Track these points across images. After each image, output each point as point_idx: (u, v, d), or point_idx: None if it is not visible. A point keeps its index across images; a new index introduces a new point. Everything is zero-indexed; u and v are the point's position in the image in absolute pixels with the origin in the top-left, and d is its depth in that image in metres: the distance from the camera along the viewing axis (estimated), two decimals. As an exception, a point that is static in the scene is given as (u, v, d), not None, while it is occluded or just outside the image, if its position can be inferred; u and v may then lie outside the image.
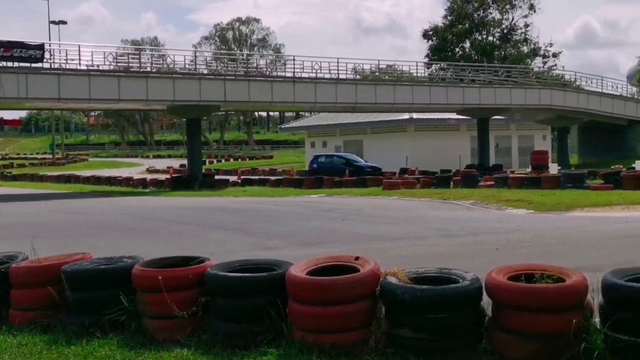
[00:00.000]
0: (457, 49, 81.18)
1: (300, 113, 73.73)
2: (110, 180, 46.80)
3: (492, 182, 28.30)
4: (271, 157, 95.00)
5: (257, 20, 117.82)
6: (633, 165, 34.41)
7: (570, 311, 4.94)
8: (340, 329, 5.23)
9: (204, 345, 5.67)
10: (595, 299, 5.20)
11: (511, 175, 29.65)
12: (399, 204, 22.83)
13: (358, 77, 47.40)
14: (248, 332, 5.54)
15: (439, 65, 61.48)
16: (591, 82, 56.89)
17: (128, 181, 44.95)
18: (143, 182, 43.00)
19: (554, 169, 30.30)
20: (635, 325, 4.81)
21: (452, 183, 30.54)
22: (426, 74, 56.78)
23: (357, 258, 5.69)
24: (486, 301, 5.32)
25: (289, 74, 43.11)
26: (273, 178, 43.70)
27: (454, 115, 53.08)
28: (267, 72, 50.24)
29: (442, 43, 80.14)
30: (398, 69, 54.75)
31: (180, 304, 5.80)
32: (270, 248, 12.05)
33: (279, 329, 5.54)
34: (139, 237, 14.47)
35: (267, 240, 13.30)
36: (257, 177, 47.53)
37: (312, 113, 65.92)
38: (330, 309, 5.23)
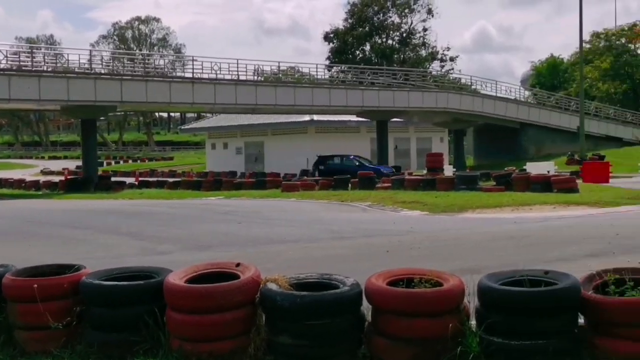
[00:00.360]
0: (358, 52, 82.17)
1: (202, 114, 73.04)
2: (0, 182, 45.14)
3: (389, 184, 28.61)
4: (171, 158, 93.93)
5: (157, 20, 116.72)
6: (524, 167, 35.55)
7: (448, 315, 4.99)
8: (218, 337, 5.13)
9: (78, 356, 5.46)
10: (471, 302, 5.27)
11: (407, 177, 30.11)
12: (296, 206, 22.83)
13: (260, 78, 47.35)
14: (124, 342, 5.37)
15: (339, 68, 62.11)
16: (486, 86, 58.66)
17: (20, 183, 43.55)
18: (36, 184, 41.73)
19: (449, 170, 30.96)
20: (508, 327, 4.91)
21: (350, 185, 30.77)
22: (327, 76, 57.23)
23: (238, 264, 5.60)
24: (367, 306, 5.31)
25: (189, 75, 42.67)
26: (171, 180, 43.10)
27: (354, 117, 53.59)
28: (168, 73, 49.59)
29: (342, 45, 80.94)
30: (299, 70, 55.01)
31: (53, 314, 5.56)
32: (162, 253, 11.80)
33: (156, 338, 5.38)
34: (25, 242, 13.92)
35: (158, 244, 13.03)
36: (155, 179, 46.73)
37: (214, 114, 65.43)
38: (209, 317, 5.12)
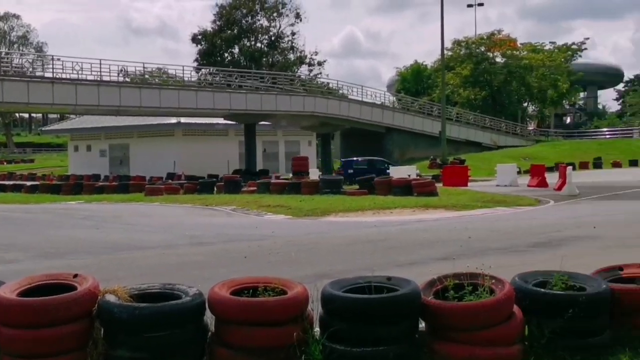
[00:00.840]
0: (227, 54, 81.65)
1: (65, 115, 70.67)
2: None
3: (255, 188, 28.56)
4: (32, 160, 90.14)
5: (17, 17, 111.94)
6: (388, 171, 36.32)
7: (291, 323, 4.94)
8: (52, 352, 4.86)
9: None
10: (316, 310, 5.25)
11: (273, 180, 30.12)
12: (159, 211, 22.42)
13: (127, 79, 46.24)
14: (-51, 360, 5.02)
15: (207, 70, 61.59)
16: (352, 91, 59.64)
17: None
18: None
19: (314, 174, 31.17)
20: (350, 335, 4.92)
21: (215, 189, 30.51)
22: (195, 79, 56.64)
23: (75, 275, 5.34)
24: (211, 316, 5.20)
25: (50, 74, 41.11)
26: (29, 183, 41.30)
27: (222, 120, 53.23)
28: (28, 72, 47.55)
29: (211, 48, 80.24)
30: (166, 72, 54.12)
31: None
32: (9, 261, 11.23)
33: (-15, 356, 5.07)
34: None
35: (7, 252, 12.39)
36: (12, 183, 44.67)
37: (77, 115, 63.38)
38: (42, 331, 4.83)
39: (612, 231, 13.52)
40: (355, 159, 44.06)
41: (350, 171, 39.71)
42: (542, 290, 5.37)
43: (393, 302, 4.96)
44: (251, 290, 5.26)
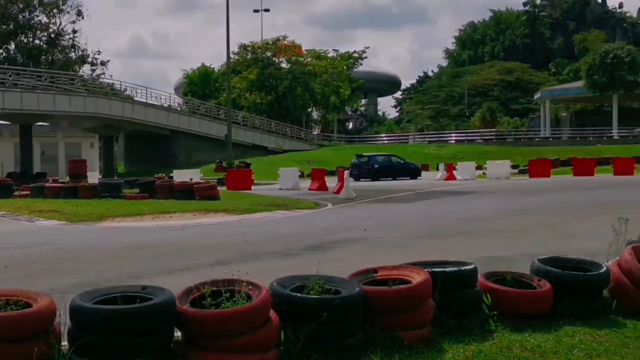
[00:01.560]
0: (1, 51, 77.02)
1: None
2: None
3: (29, 192, 27.12)
4: None
5: None
6: (171, 174, 35.86)
7: (35, 339, 4.63)
8: None
9: None
10: (64, 323, 4.98)
11: (47, 184, 28.71)
12: None
13: None
14: None
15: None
16: (136, 92, 58.48)
17: None
18: None
19: (94, 177, 30.08)
20: (100, 348, 4.69)
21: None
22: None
23: None
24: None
25: None
26: None
27: (-5, 120, 50.31)
28: None
29: (-17, 43, 75.38)
30: None
31: None
32: None
33: None
34: None
35: None
36: None
37: None
38: None
39: (380, 233, 14.07)
40: (376, 155, 45.49)
41: (377, 166, 41.58)
42: (299, 295, 5.42)
43: (144, 312, 4.78)
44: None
